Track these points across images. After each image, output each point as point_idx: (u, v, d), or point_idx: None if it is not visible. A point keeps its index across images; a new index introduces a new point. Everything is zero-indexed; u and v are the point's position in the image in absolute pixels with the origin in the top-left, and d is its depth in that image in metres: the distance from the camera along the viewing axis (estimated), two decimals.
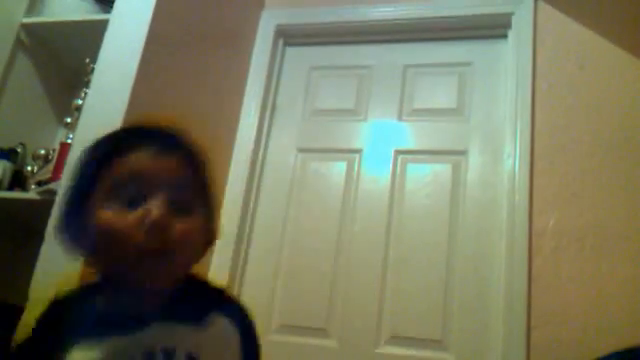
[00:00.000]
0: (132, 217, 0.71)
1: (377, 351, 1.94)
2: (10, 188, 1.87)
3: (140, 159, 0.75)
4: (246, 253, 2.16)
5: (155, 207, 0.71)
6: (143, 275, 0.72)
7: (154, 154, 0.75)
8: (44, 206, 1.59)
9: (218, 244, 2.09)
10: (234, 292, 1.92)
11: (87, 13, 2.01)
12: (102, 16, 1.88)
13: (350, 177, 2.20)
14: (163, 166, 0.75)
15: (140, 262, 0.71)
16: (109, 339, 0.72)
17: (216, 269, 2.05)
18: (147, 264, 0.71)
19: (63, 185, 0.80)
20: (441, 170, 2.12)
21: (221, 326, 0.81)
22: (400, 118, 2.25)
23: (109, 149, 0.77)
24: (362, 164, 2.21)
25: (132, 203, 0.72)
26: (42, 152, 1.96)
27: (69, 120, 1.95)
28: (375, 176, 2.17)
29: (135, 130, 0.83)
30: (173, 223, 0.72)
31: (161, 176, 0.74)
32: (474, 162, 2.10)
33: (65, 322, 0.76)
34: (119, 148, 0.76)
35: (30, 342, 0.75)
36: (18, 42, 1.99)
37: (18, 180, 1.90)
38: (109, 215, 0.72)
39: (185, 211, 0.74)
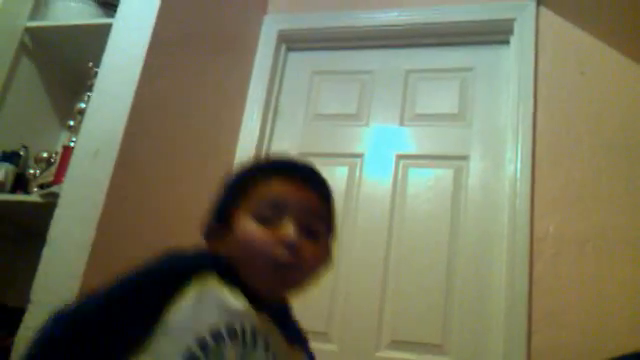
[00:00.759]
0: (271, 233, 0.83)
1: (378, 355, 1.94)
2: (12, 191, 1.87)
3: (284, 185, 0.87)
4: None
5: (290, 228, 0.83)
6: (270, 284, 0.84)
7: (296, 183, 0.88)
8: (46, 209, 1.60)
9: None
10: None
11: (90, 17, 2.02)
12: (105, 20, 1.88)
13: (352, 182, 2.20)
14: (302, 194, 0.88)
15: (271, 272, 0.82)
16: (237, 292, 0.81)
17: None
18: (276, 275, 0.83)
19: (212, 198, 0.93)
20: (443, 175, 2.13)
21: (301, 356, 0.93)
22: (402, 123, 2.25)
23: (259, 170, 0.92)
24: (364, 169, 2.21)
25: (270, 222, 0.84)
26: (44, 155, 1.97)
27: (72, 123, 1.95)
28: (377, 181, 2.18)
29: (283, 159, 0.97)
30: (303, 244, 0.84)
31: (299, 202, 0.86)
32: (475, 167, 2.10)
33: (207, 256, 0.86)
34: (269, 171, 0.90)
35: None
36: (22, 46, 1.99)
37: (20, 183, 1.90)
38: (252, 226, 0.84)
39: (314, 236, 0.87)
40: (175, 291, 0.76)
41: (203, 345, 0.75)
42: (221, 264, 0.83)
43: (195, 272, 0.79)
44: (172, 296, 0.76)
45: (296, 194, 0.87)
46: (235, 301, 0.79)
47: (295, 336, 0.92)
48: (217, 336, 0.76)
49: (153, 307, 0.75)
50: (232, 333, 0.77)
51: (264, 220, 0.84)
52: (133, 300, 0.76)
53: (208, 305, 0.77)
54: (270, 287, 0.84)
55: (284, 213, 0.84)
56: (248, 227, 0.84)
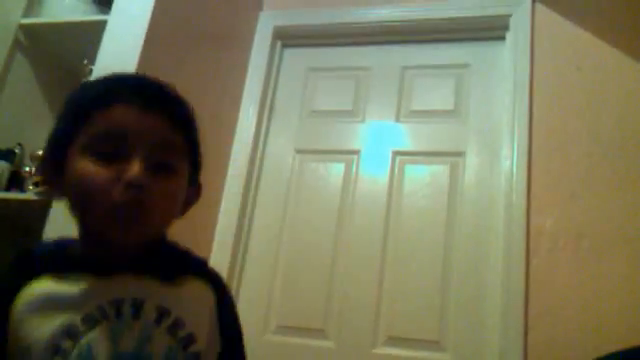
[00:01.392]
0: (110, 172, 0.70)
1: (374, 352, 1.94)
2: (7, 189, 1.86)
3: (124, 114, 0.73)
4: (244, 254, 2.16)
5: (133, 165, 0.70)
6: (115, 229, 0.72)
7: (139, 109, 0.74)
8: (41, 207, 1.59)
9: (216, 245, 2.12)
10: (232, 292, 1.92)
11: (85, 14, 2.01)
12: (100, 17, 1.88)
13: (348, 178, 2.20)
14: (147, 123, 0.74)
15: (113, 216, 0.70)
16: (78, 277, 0.73)
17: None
18: (120, 219, 0.71)
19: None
20: (439, 171, 2.13)
21: (195, 285, 0.82)
22: (398, 119, 2.25)
23: (94, 97, 0.76)
24: (360, 165, 2.21)
25: (112, 157, 0.71)
26: (40, 153, 1.96)
27: None
28: (373, 177, 2.18)
29: (123, 79, 0.80)
30: (151, 183, 0.71)
31: (143, 133, 0.73)
32: (471, 163, 2.10)
33: (35, 257, 0.78)
34: (105, 97, 0.74)
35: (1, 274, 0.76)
36: (16, 43, 1.98)
37: (16, 181, 1.90)
38: (88, 166, 0.71)
39: (166, 170, 0.74)
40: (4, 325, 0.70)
41: (55, 349, 0.68)
42: (49, 257, 0.76)
43: (12, 295, 0.71)
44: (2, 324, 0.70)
45: (141, 122, 0.73)
46: (66, 289, 0.72)
47: (184, 266, 0.83)
48: (68, 333, 0.70)
49: None
50: (78, 327, 0.70)
51: (104, 157, 0.71)
52: None
53: (39, 316, 0.70)
54: (115, 234, 0.72)
55: (127, 147, 0.71)
56: (83, 165, 0.71)
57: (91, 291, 0.73)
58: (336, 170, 2.22)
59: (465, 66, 2.26)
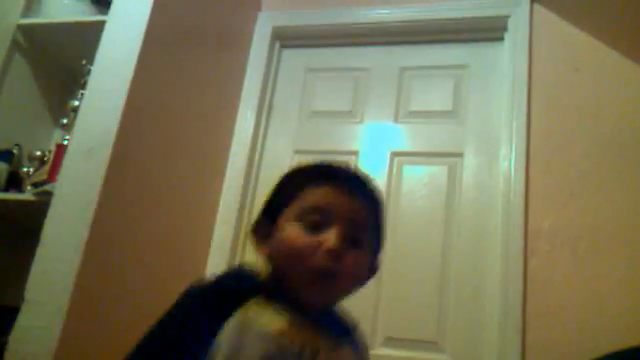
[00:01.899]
0: (314, 239, 0.83)
1: (373, 352, 1.94)
2: (6, 189, 1.86)
3: (331, 193, 0.87)
4: (242, 256, 2.16)
5: (334, 236, 0.83)
6: (312, 289, 0.83)
7: (343, 192, 0.87)
8: (40, 207, 1.59)
9: (214, 246, 2.11)
10: None
11: (84, 14, 2.01)
12: (99, 17, 1.87)
13: None
14: (348, 204, 0.87)
15: (311, 280, 0.82)
16: (280, 308, 0.81)
17: (212, 272, 2.05)
18: (317, 282, 0.82)
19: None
20: (437, 172, 2.13)
21: (349, 351, 0.90)
22: (396, 120, 2.25)
23: (308, 177, 0.90)
24: (358, 166, 2.21)
25: (313, 229, 0.84)
26: (38, 153, 1.96)
27: (65, 121, 1.94)
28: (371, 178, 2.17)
29: (334, 166, 0.94)
30: (345, 252, 0.83)
31: (344, 211, 0.85)
32: (470, 164, 2.10)
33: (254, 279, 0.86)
34: (317, 178, 0.89)
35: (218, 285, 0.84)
36: (14, 43, 1.98)
37: (14, 181, 1.90)
38: (294, 231, 0.84)
39: (357, 245, 0.86)
40: (216, 327, 0.77)
41: None
42: (262, 284, 0.84)
43: (238, 302, 0.80)
44: (215, 333, 0.77)
45: (343, 203, 0.86)
46: (275, 322, 0.80)
47: (341, 331, 0.91)
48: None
49: (202, 338, 0.76)
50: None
51: (309, 226, 0.84)
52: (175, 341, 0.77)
53: (249, 336, 0.77)
54: (311, 294, 0.84)
55: (329, 221, 0.84)
56: (292, 231, 0.85)
57: (288, 328, 0.81)
58: None
59: (463, 67, 2.26)
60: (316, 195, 0.87)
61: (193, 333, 0.76)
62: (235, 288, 0.82)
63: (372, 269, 0.93)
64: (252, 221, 0.94)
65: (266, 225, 0.90)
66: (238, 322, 0.78)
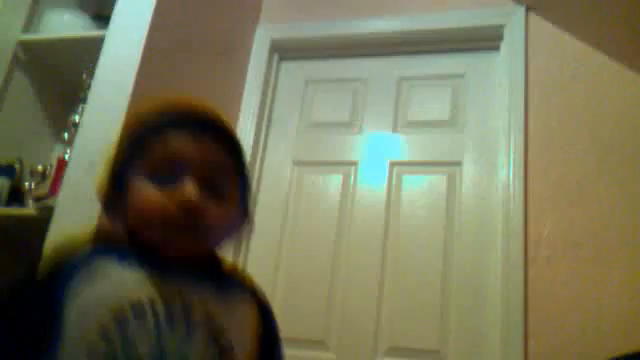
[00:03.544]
0: (167, 194, 0.76)
1: None
2: (8, 204, 1.87)
3: (177, 141, 0.79)
4: (243, 266, 2.16)
5: (188, 187, 0.75)
6: (171, 245, 0.77)
7: (191, 137, 0.79)
8: (42, 222, 1.59)
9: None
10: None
11: (83, 29, 2.03)
12: (98, 32, 1.89)
13: (346, 189, 2.21)
14: (199, 149, 0.79)
15: (170, 235, 0.76)
16: (136, 265, 0.76)
17: None
18: (177, 238, 0.76)
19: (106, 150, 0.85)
20: (436, 181, 2.14)
21: (241, 301, 0.84)
22: (395, 130, 2.27)
23: (148, 129, 0.82)
24: (358, 176, 2.22)
25: (166, 182, 0.76)
26: (39, 168, 1.96)
27: (66, 136, 1.96)
28: (371, 188, 2.19)
29: (176, 111, 0.85)
30: (205, 204, 0.76)
31: (196, 159, 0.78)
32: (468, 172, 2.11)
33: (102, 242, 0.80)
34: (159, 128, 0.81)
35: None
36: (15, 59, 1.99)
37: (15, 196, 1.90)
38: (146, 190, 0.76)
39: (218, 194, 0.79)
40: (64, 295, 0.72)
41: (104, 334, 0.70)
42: (114, 247, 0.78)
43: (82, 266, 0.74)
44: (62, 302, 0.72)
45: (193, 149, 0.78)
46: (120, 279, 0.74)
47: (225, 283, 0.84)
48: (119, 321, 0.71)
49: (44, 315, 0.71)
50: (127, 315, 0.72)
51: (161, 181, 0.76)
52: (25, 314, 0.73)
53: (91, 298, 0.72)
54: (171, 252, 0.77)
55: (182, 172, 0.77)
56: (142, 190, 0.77)
57: (147, 283, 0.75)
58: (334, 181, 2.23)
59: (461, 76, 2.28)
60: (163, 145, 0.79)
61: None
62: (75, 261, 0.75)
63: (240, 219, 0.86)
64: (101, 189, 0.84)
65: (113, 194, 0.81)
66: (81, 283, 0.72)
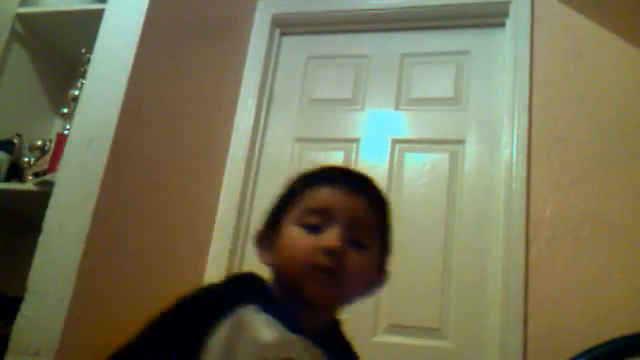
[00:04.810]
0: (314, 240, 0.82)
1: (374, 340, 1.95)
2: (7, 179, 1.87)
3: (329, 193, 0.86)
4: (244, 244, 2.16)
5: (333, 234, 0.82)
6: (312, 288, 0.81)
7: (342, 191, 0.86)
8: (41, 197, 1.59)
9: (216, 234, 2.12)
10: None
11: (82, 3, 2.00)
12: (98, 5, 1.86)
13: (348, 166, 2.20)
14: (348, 203, 0.86)
15: (311, 276, 0.81)
16: (274, 321, 0.81)
17: (213, 261, 2.06)
18: (319, 280, 0.81)
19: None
20: (438, 159, 2.12)
21: None
22: (397, 107, 2.25)
23: (307, 180, 0.91)
24: (359, 153, 2.21)
25: (315, 230, 0.83)
26: (39, 143, 1.96)
27: (65, 111, 1.94)
28: (372, 165, 2.17)
29: (334, 168, 0.96)
30: (346, 252, 0.82)
31: (344, 211, 0.85)
32: (471, 151, 2.10)
33: (244, 285, 0.86)
34: (316, 181, 0.89)
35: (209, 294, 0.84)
36: (13, 33, 1.97)
37: (15, 171, 1.90)
38: (296, 233, 0.84)
39: (360, 247, 0.84)
40: (209, 329, 0.76)
41: None
42: (260, 293, 0.84)
43: (229, 308, 0.79)
44: (206, 334, 0.76)
45: (343, 202, 0.85)
46: (269, 333, 0.79)
47: (344, 357, 0.91)
48: None
49: (187, 346, 0.76)
50: None
51: (310, 228, 0.84)
52: (169, 341, 0.77)
53: (240, 342, 0.77)
54: (313, 293, 0.82)
55: (330, 221, 0.84)
56: (292, 234, 0.84)
57: (283, 344, 0.80)
58: (335, 158, 2.22)
59: (465, 53, 2.25)
60: (315, 197, 0.87)
61: (177, 350, 0.76)
62: (226, 299, 0.81)
63: (381, 271, 0.92)
64: (254, 230, 0.94)
65: (268, 233, 0.90)
66: (232, 325, 0.77)
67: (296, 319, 0.82)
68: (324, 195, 0.86)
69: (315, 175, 0.91)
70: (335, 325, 0.93)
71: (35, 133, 2.03)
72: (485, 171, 2.05)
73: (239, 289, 0.85)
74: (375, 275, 0.91)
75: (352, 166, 2.19)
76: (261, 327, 0.79)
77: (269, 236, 0.89)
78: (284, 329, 0.80)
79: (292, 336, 0.81)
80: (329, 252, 0.81)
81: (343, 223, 0.83)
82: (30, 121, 2.06)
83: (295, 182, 0.93)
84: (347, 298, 0.88)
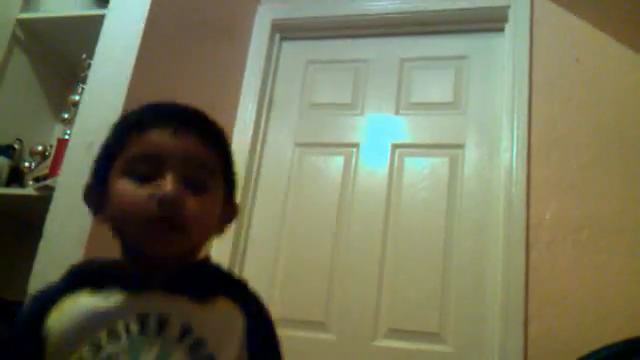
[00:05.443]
0: (145, 190, 0.75)
1: (375, 344, 1.95)
2: (8, 184, 1.87)
3: (156, 137, 0.77)
4: (244, 248, 2.16)
5: (167, 182, 0.74)
6: (151, 242, 0.76)
7: (171, 132, 0.78)
8: (42, 202, 1.59)
9: (216, 241, 2.11)
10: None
11: (83, 8, 2.01)
12: (98, 11, 1.87)
13: (347, 171, 2.20)
14: (179, 144, 0.78)
15: (149, 230, 0.75)
16: (110, 291, 0.77)
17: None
18: (158, 233, 0.75)
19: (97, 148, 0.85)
20: (438, 163, 2.13)
21: (225, 308, 0.82)
22: (397, 112, 2.25)
23: (130, 124, 0.80)
24: (359, 158, 2.21)
25: (147, 179, 0.76)
26: (39, 148, 1.96)
27: (66, 116, 1.95)
28: (372, 170, 2.18)
29: (157, 107, 0.84)
30: (186, 199, 0.75)
31: (176, 154, 0.77)
32: (471, 155, 2.10)
33: (79, 272, 0.82)
34: (139, 124, 0.79)
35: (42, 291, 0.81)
36: (14, 38, 1.98)
37: (16, 176, 1.90)
38: (125, 186, 0.76)
39: (200, 188, 0.78)
40: (37, 326, 0.75)
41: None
42: (90, 272, 0.81)
43: (52, 304, 0.77)
44: (37, 331, 0.75)
45: (172, 144, 0.77)
46: (85, 305, 0.76)
47: (206, 290, 0.82)
48: (91, 346, 0.73)
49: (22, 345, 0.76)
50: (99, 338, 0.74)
51: (140, 178, 0.76)
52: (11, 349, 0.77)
53: (68, 325, 0.75)
54: (153, 249, 0.76)
55: (161, 167, 0.76)
56: (122, 187, 0.76)
57: (119, 306, 0.76)
58: (336, 163, 2.22)
59: (464, 58, 2.26)
60: (141, 142, 0.77)
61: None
62: (46, 296, 0.79)
63: (230, 205, 0.86)
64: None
65: (96, 189, 0.82)
66: (57, 312, 0.76)
67: (140, 276, 0.78)
68: (150, 139, 0.77)
69: (137, 117, 0.81)
70: (200, 264, 0.85)
71: (36, 138, 2.03)
72: (485, 175, 2.06)
73: (66, 278, 0.81)
74: (224, 211, 0.84)
75: (352, 169, 2.19)
76: (78, 304, 0.76)
77: (99, 196, 0.81)
78: (110, 293, 0.76)
79: (115, 297, 0.76)
80: (166, 202, 0.73)
81: (176, 166, 0.76)
82: (31, 126, 2.06)
83: (117, 127, 0.83)
84: (197, 241, 0.81)
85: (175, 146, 0.77)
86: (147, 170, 0.76)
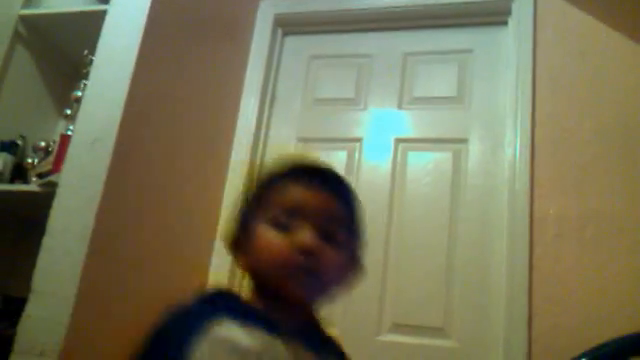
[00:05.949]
0: (287, 239, 0.82)
1: (379, 339, 1.95)
2: (11, 181, 1.87)
3: (297, 191, 0.86)
4: None
5: (306, 233, 0.82)
6: (292, 286, 0.82)
7: (313, 187, 0.87)
8: (45, 198, 1.59)
9: (219, 237, 2.12)
10: (235, 285, 1.92)
11: (85, 4, 2.00)
12: (100, 7, 1.87)
13: (351, 166, 2.20)
14: (315, 199, 0.86)
15: (294, 278, 0.81)
16: (255, 330, 0.79)
17: (217, 261, 2.06)
18: (300, 281, 0.81)
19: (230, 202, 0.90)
20: (442, 158, 2.12)
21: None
22: (400, 106, 2.24)
23: (275, 178, 0.90)
24: (362, 153, 2.21)
25: (286, 229, 0.83)
26: (42, 144, 1.96)
27: (69, 112, 1.95)
28: (376, 165, 2.17)
29: (300, 163, 0.94)
30: (320, 248, 0.82)
31: (313, 207, 0.85)
32: (475, 150, 2.09)
33: (217, 301, 0.84)
34: (284, 178, 0.89)
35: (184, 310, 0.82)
36: (16, 34, 1.98)
37: (19, 172, 1.90)
38: (267, 234, 0.83)
39: (331, 240, 0.84)
40: (184, 352, 0.75)
41: None
42: (231, 305, 0.82)
43: (202, 327, 0.77)
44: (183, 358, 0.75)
45: (312, 198, 0.86)
46: (248, 339, 0.77)
47: (324, 349, 0.89)
48: None
49: None
50: None
51: (281, 227, 0.83)
52: None
53: (221, 354, 0.75)
54: (293, 290, 0.82)
55: (301, 219, 0.83)
56: (264, 235, 0.84)
57: (257, 345, 0.78)
58: (339, 158, 2.22)
59: (468, 52, 2.25)
60: (285, 194, 0.86)
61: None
62: (197, 320, 0.79)
63: (354, 264, 0.92)
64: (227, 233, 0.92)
65: (239, 238, 0.89)
66: (210, 341, 0.76)
67: (275, 320, 0.81)
68: (293, 192, 0.86)
69: (281, 172, 0.91)
70: (314, 319, 0.92)
71: (39, 134, 2.03)
72: (488, 170, 2.05)
73: (208, 306, 0.82)
74: (350, 267, 0.91)
75: (355, 164, 2.19)
76: (238, 335, 0.77)
77: (241, 241, 0.89)
78: (262, 332, 0.79)
79: (272, 337, 0.79)
80: (306, 251, 0.81)
81: (313, 219, 0.83)
82: (33, 122, 2.06)
83: (262, 182, 0.92)
84: (325, 294, 0.88)
85: (314, 200, 0.86)
86: (288, 221, 0.83)
